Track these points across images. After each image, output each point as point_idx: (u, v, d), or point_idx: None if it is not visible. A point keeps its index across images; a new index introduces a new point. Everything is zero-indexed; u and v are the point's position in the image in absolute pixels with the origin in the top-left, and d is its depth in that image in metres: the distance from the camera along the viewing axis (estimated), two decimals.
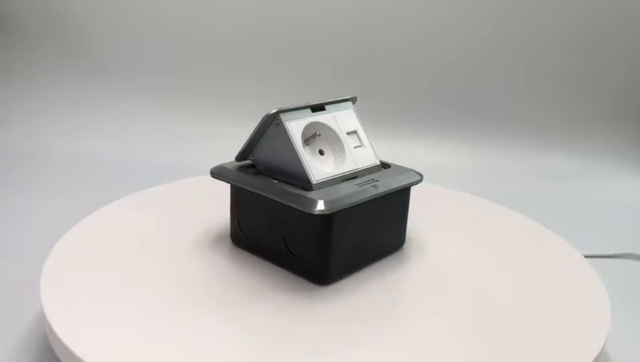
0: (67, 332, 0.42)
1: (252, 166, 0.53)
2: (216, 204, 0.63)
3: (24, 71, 1.11)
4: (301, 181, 0.50)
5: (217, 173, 0.54)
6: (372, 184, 0.52)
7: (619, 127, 1.05)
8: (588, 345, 0.44)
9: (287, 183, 0.50)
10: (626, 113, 1.06)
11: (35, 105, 1.10)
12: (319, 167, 0.50)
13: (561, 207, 0.92)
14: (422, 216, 0.64)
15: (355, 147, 0.54)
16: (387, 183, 0.53)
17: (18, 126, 1.07)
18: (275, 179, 0.51)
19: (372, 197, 0.50)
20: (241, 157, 0.53)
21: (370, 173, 0.54)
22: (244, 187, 0.52)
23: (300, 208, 0.48)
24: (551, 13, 1.03)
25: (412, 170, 0.56)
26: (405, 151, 1.04)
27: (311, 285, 0.50)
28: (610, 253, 0.75)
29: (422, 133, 1.07)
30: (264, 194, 0.50)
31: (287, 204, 0.49)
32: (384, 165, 0.56)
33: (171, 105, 1.10)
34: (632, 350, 0.57)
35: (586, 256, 0.58)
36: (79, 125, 1.08)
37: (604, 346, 0.45)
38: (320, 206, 0.47)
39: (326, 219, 0.48)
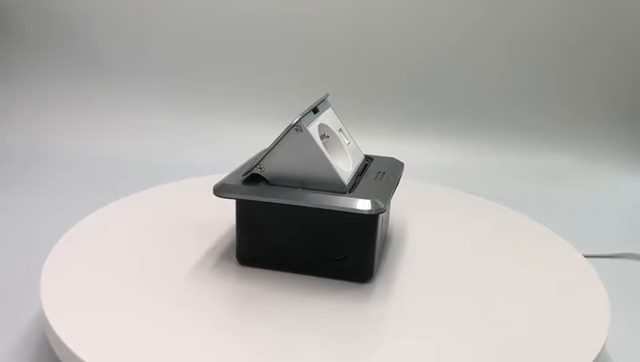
0: (67, 332, 0.42)
1: (258, 178, 0.50)
2: (217, 202, 0.63)
3: (25, 72, 1.11)
4: (331, 185, 0.49)
5: (224, 191, 0.49)
6: (385, 177, 0.53)
7: (619, 127, 1.05)
8: (588, 345, 0.44)
9: (313, 190, 0.49)
10: (625, 113, 1.06)
11: (36, 105, 1.10)
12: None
13: (561, 207, 0.92)
14: (422, 215, 0.64)
15: (347, 144, 0.55)
16: (392, 173, 0.54)
17: (19, 126, 1.07)
18: (294, 187, 0.49)
19: (394, 188, 0.52)
20: (248, 170, 0.51)
21: (367, 167, 0.55)
22: (270, 201, 0.48)
23: (354, 211, 0.47)
24: (552, 13, 1.03)
25: (392, 157, 0.58)
26: (405, 152, 1.04)
27: (344, 286, 0.50)
28: (610, 253, 0.75)
29: (421, 133, 1.07)
30: (303, 204, 0.48)
31: (337, 209, 0.47)
32: (367, 158, 0.58)
33: (172, 105, 1.10)
34: (632, 350, 0.57)
35: (586, 256, 0.58)
36: (80, 126, 1.08)
37: (604, 346, 0.45)
38: (370, 206, 0.47)
39: (372, 217, 0.49)
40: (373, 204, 0.47)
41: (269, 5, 1.07)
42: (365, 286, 0.50)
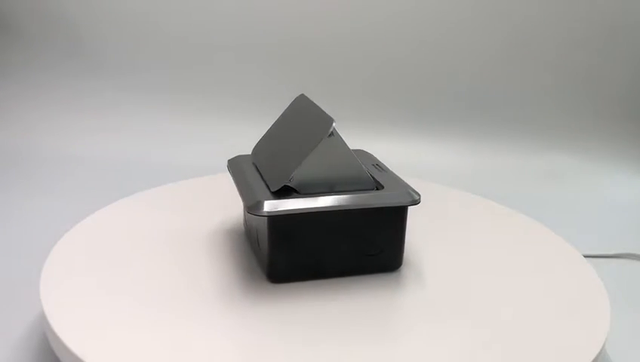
0: (67, 332, 0.42)
1: (285, 189, 0.48)
2: (217, 204, 0.63)
3: (23, 70, 1.11)
4: (360, 184, 0.49)
5: (264, 208, 0.46)
6: (384, 168, 0.54)
7: (619, 127, 1.05)
8: (588, 345, 0.44)
9: (345, 191, 0.49)
10: (626, 113, 1.05)
11: (35, 104, 1.10)
12: None
13: (561, 207, 0.92)
14: (420, 214, 0.64)
15: None
16: (382, 165, 0.56)
17: (18, 126, 1.07)
18: (327, 192, 0.49)
19: None
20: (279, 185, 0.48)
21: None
22: (321, 209, 0.47)
23: (402, 204, 0.49)
24: (553, 12, 1.03)
25: (361, 149, 0.60)
26: (404, 151, 1.04)
27: (374, 279, 0.51)
28: (610, 253, 0.75)
29: (421, 132, 1.07)
30: (352, 208, 0.48)
31: (388, 205, 0.49)
32: None
33: (172, 104, 1.10)
34: (632, 350, 0.57)
35: (586, 256, 0.58)
36: (80, 125, 1.08)
37: (603, 346, 0.45)
38: (411, 197, 0.50)
39: (404, 208, 0.50)
40: (411, 195, 0.50)
41: (268, 5, 1.07)
42: (393, 274, 0.52)
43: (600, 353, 0.44)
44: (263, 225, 0.49)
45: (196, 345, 0.42)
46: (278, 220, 0.48)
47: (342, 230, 0.50)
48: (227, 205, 0.63)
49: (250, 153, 0.57)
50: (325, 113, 0.50)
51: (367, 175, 0.50)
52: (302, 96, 0.56)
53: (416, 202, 0.49)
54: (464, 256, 0.57)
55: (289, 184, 0.48)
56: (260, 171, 0.53)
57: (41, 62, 1.11)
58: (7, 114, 1.09)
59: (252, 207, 0.47)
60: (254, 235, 0.53)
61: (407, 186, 0.51)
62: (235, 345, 0.43)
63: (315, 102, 0.53)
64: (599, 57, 1.04)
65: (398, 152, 1.01)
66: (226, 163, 0.57)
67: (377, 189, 0.50)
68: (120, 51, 1.10)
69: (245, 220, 0.58)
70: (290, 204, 0.47)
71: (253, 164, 0.55)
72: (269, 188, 0.49)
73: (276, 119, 0.57)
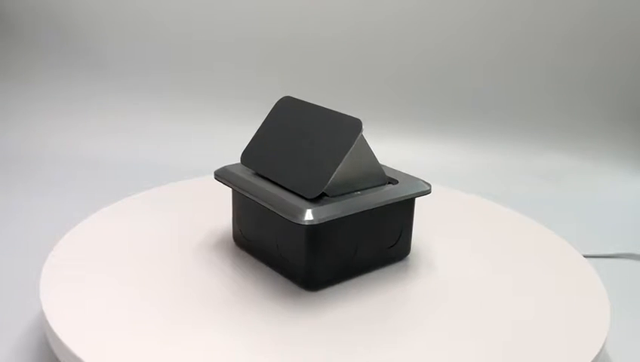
0: (67, 332, 0.42)
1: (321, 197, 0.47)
2: (218, 204, 0.63)
3: (24, 71, 1.11)
4: (376, 180, 0.50)
5: (311, 217, 0.45)
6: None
7: (619, 127, 1.05)
8: (588, 345, 0.44)
9: (367, 188, 0.49)
10: (626, 113, 1.06)
11: (35, 105, 1.10)
12: None
13: (561, 207, 0.92)
14: (420, 214, 0.64)
15: None
16: None
17: (18, 126, 1.07)
18: (353, 192, 0.48)
19: None
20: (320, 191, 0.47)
21: None
22: (362, 209, 0.47)
23: (422, 194, 0.51)
24: (552, 12, 1.03)
25: None
26: (405, 151, 1.04)
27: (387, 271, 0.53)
28: (610, 253, 0.75)
29: (421, 132, 1.07)
30: (388, 203, 0.49)
31: (414, 196, 0.51)
32: None
33: (173, 105, 1.10)
34: (632, 350, 0.57)
35: (586, 256, 0.58)
36: (79, 125, 1.08)
37: (603, 346, 0.45)
38: (427, 187, 0.52)
39: (414, 199, 0.52)
40: (424, 185, 0.52)
41: (268, 6, 1.07)
42: (402, 263, 0.54)
43: (600, 353, 0.44)
44: (292, 233, 0.48)
45: (198, 344, 0.42)
46: (316, 227, 0.46)
47: (370, 226, 0.50)
48: (221, 210, 0.62)
49: (233, 159, 0.55)
50: (346, 115, 0.49)
51: (383, 172, 0.51)
52: (288, 97, 0.54)
53: (428, 192, 0.52)
54: (463, 256, 0.57)
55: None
56: (270, 179, 0.50)
57: (41, 63, 1.11)
58: (7, 114, 1.09)
59: (295, 216, 0.45)
60: (271, 245, 0.51)
61: (414, 178, 0.53)
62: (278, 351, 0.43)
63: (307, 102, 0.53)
64: (599, 56, 1.04)
65: (397, 152, 1.02)
66: (219, 164, 0.55)
67: (390, 183, 0.51)
68: (121, 52, 1.10)
69: (242, 233, 0.54)
70: (334, 208, 0.46)
71: (255, 172, 0.52)
72: (299, 196, 0.47)
73: (261, 124, 0.54)
